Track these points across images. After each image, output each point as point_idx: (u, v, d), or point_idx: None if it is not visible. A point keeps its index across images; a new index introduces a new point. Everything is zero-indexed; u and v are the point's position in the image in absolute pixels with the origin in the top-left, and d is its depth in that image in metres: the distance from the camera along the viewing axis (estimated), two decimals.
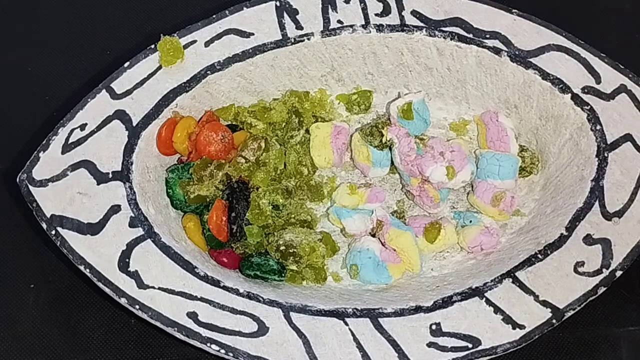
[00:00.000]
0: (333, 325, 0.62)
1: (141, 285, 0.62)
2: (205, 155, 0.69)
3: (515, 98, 0.73)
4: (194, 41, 0.71)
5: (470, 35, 0.72)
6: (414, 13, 0.73)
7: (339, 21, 0.73)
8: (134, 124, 0.67)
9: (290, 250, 0.66)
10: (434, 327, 0.62)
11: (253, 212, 0.68)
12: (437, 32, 0.72)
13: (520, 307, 0.63)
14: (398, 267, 0.68)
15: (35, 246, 0.69)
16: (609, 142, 0.69)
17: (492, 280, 0.64)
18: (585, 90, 0.71)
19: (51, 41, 0.81)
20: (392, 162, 0.71)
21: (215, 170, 0.68)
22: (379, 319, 0.62)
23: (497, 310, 0.63)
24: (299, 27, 0.72)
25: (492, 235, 0.69)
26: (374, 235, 0.69)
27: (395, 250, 0.68)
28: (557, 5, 0.82)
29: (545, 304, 0.63)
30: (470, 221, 0.70)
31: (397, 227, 0.69)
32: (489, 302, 0.63)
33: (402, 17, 0.73)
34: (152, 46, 0.70)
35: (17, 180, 0.64)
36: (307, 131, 0.73)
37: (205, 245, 0.67)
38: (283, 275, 0.67)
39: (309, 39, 0.72)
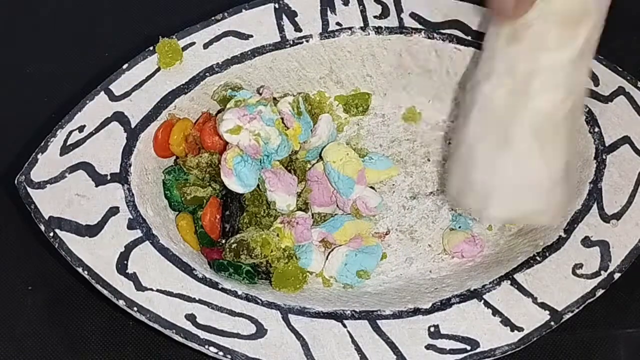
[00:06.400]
0: (331, 327, 0.62)
1: (139, 287, 0.62)
2: (204, 145, 0.68)
3: None
4: (193, 43, 0.71)
5: (469, 38, 0.72)
6: (413, 15, 0.73)
7: (338, 23, 0.73)
8: (133, 126, 0.67)
9: (242, 246, 0.65)
10: (432, 329, 0.62)
11: (253, 192, 0.67)
12: (435, 35, 0.72)
13: (519, 309, 0.63)
14: (371, 239, 0.70)
15: (33, 248, 0.69)
16: (607, 145, 0.69)
17: (490, 283, 0.64)
18: None
19: (49, 43, 0.81)
20: None
21: (203, 154, 0.68)
22: (377, 321, 0.62)
23: (496, 312, 0.63)
24: (297, 29, 0.72)
25: (476, 245, 0.69)
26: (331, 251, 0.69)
27: (358, 237, 0.69)
28: None
29: (543, 306, 0.63)
30: (460, 227, 0.70)
31: (339, 226, 0.69)
32: (487, 304, 0.63)
33: (400, 20, 0.73)
34: (151, 48, 0.70)
35: (16, 182, 0.64)
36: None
37: (197, 243, 0.67)
38: (254, 279, 0.66)
39: (307, 41, 0.72)
